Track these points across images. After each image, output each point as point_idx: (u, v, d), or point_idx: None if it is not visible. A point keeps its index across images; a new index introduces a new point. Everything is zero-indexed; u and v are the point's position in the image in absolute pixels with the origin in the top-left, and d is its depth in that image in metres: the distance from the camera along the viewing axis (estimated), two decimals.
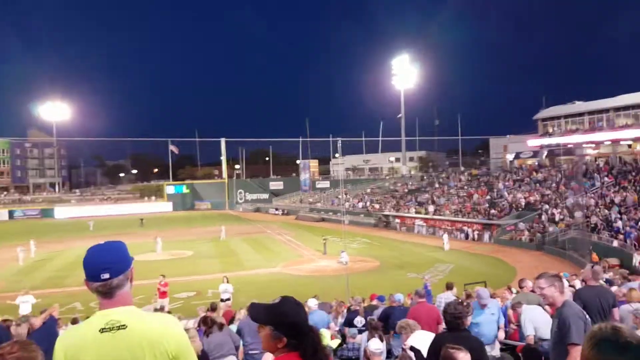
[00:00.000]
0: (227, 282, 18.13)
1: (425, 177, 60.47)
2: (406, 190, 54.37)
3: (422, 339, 4.84)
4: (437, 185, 51.67)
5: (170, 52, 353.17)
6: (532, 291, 8.23)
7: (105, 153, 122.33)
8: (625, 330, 1.51)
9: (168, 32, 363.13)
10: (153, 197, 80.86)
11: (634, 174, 34.45)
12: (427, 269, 25.57)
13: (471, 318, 5.34)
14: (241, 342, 7.41)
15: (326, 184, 76.23)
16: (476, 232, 36.88)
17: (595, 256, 23.95)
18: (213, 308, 10.40)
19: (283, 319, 2.08)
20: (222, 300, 16.94)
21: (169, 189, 79.44)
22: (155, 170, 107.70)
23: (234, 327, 8.24)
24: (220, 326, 7.21)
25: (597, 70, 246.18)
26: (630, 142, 41.23)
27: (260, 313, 2.14)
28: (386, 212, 47.61)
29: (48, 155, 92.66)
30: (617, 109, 42.36)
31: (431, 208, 43.59)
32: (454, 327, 4.22)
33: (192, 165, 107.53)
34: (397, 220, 45.05)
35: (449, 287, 10.67)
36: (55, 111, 78.04)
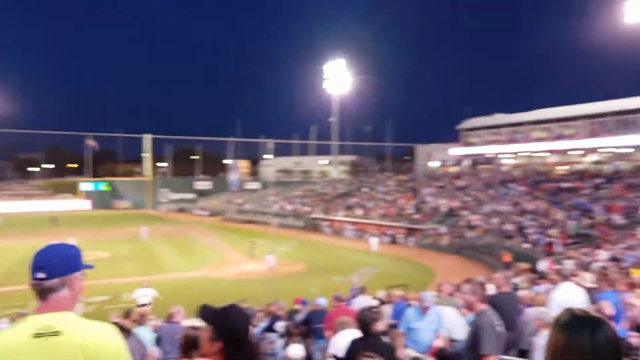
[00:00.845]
0: (147, 286, 17.06)
1: (354, 182, 61.37)
2: (336, 194, 54.84)
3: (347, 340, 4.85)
4: (365, 190, 52.59)
5: (95, 41, 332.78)
6: (450, 295, 8.48)
7: (16, 146, 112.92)
8: (589, 310, 1.53)
9: (92, 19, 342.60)
10: (68, 194, 75.28)
11: (546, 184, 37.03)
12: (353, 272, 25.73)
13: (387, 322, 5.56)
14: (157, 350, 7.13)
15: (256, 185, 75.04)
16: (401, 237, 37.86)
17: (507, 256, 25.34)
18: (127, 314, 9.92)
19: (225, 324, 2.12)
20: (139, 305, 15.93)
21: (86, 185, 74.24)
22: (74, 165, 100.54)
23: (145, 333, 7.83)
24: (129, 333, 6.80)
25: (517, 84, 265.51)
26: (543, 154, 44.46)
27: (207, 313, 2.21)
28: (315, 215, 47.66)
29: None
30: (533, 123, 45.54)
31: (359, 212, 44.22)
32: (365, 333, 4.40)
33: (113, 161, 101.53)
34: (326, 223, 45.24)
35: (361, 291, 10.87)
36: None
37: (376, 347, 3.98)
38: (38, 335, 1.71)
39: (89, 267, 1.99)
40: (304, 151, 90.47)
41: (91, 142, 73.70)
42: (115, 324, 7.64)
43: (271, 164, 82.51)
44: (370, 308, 4.99)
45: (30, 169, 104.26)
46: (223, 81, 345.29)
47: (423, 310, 6.21)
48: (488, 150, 47.75)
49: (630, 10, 35.93)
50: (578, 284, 6.60)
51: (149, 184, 75.57)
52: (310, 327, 8.14)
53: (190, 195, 75.37)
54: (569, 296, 6.06)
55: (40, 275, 1.80)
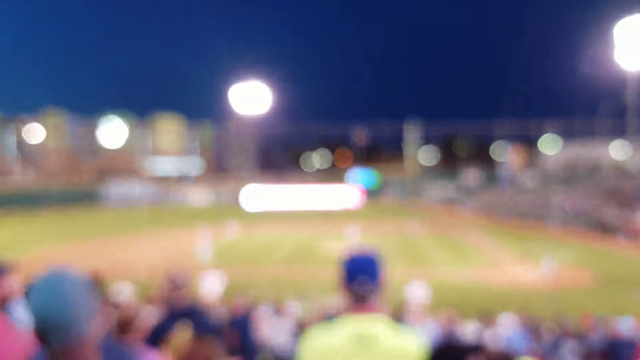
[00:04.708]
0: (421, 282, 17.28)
1: None
2: (636, 190, 45.26)
3: None
4: None
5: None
6: None
7: (295, 138, 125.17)
8: None
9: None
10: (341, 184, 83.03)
11: None
12: None
13: None
14: None
15: (531, 178, 68.42)
16: None
17: None
18: (399, 307, 10.28)
19: None
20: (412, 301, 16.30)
21: (356, 176, 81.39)
22: (347, 156, 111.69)
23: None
24: None
25: None
26: None
27: None
28: (607, 216, 40.39)
29: None
30: None
31: None
32: None
33: (380, 153, 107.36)
34: (622, 227, 37.69)
35: None
36: None
37: None
38: (358, 339, 1.85)
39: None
40: (590, 136, 77.53)
41: (359, 135, 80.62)
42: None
43: (551, 153, 73.68)
44: None
45: (307, 159, 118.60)
46: (485, 54, 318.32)
47: None
48: None
49: None
50: None
51: (414, 178, 78.38)
52: (610, 357, 6.64)
53: (456, 190, 74.45)
54: None
55: (364, 279, 1.92)
